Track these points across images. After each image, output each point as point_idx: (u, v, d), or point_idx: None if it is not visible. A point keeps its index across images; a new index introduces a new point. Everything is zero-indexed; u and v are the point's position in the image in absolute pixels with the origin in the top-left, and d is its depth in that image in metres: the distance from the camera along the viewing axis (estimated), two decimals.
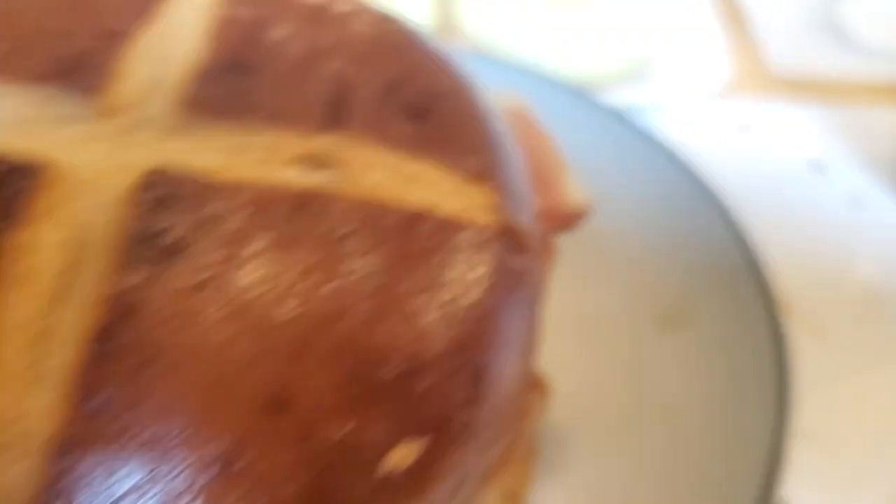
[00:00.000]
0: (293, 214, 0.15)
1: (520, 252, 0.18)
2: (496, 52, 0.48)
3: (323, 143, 0.17)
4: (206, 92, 0.17)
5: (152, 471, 0.13)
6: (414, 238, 0.16)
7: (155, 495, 0.13)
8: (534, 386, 0.25)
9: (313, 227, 0.15)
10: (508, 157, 0.19)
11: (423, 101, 0.18)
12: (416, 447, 0.15)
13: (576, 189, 0.26)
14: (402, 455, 0.14)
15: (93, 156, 0.16)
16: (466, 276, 0.16)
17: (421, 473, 0.15)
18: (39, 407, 0.13)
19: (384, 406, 0.14)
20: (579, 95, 0.41)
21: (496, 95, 0.26)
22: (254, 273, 0.14)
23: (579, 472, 0.28)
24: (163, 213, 0.15)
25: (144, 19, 0.18)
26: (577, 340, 0.31)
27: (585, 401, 0.30)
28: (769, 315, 0.31)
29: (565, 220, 0.25)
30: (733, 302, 0.32)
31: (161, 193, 0.15)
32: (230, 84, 0.17)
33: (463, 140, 0.18)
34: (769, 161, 0.46)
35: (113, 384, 0.13)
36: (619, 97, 0.46)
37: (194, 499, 0.13)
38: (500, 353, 0.16)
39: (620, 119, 0.40)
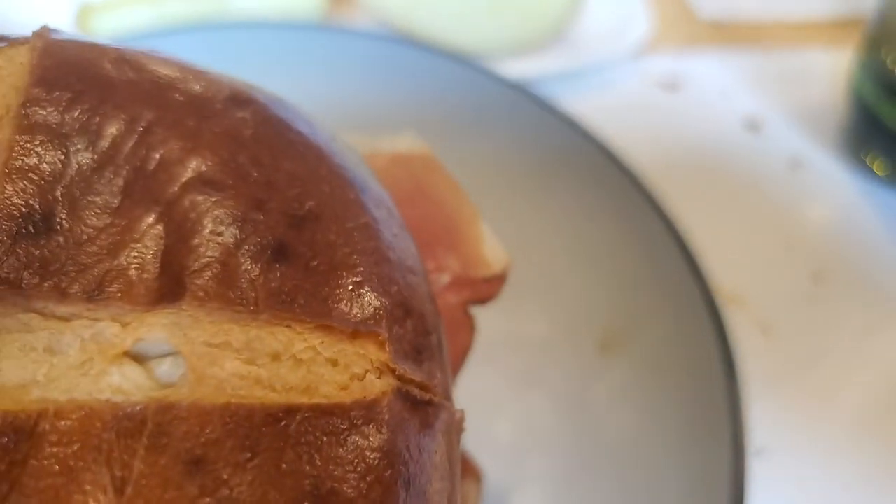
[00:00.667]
0: (125, 442, 0.12)
1: (418, 404, 0.15)
2: (395, 25, 0.43)
3: (148, 328, 0.13)
4: None
5: None
6: (287, 443, 0.13)
7: None
8: (467, 473, 0.22)
9: (154, 456, 0.12)
10: (406, 271, 0.16)
11: (288, 232, 0.14)
12: None
13: (492, 245, 0.22)
14: None
15: None
16: (358, 466, 0.13)
17: None
18: None
19: None
20: (483, 70, 0.37)
21: (395, 142, 0.23)
22: None
23: None
24: None
25: None
26: (510, 383, 0.29)
27: (527, 450, 0.28)
28: (715, 324, 0.29)
29: (483, 287, 0.21)
30: (673, 316, 0.30)
31: None
32: (21, 251, 0.13)
33: (344, 278, 0.14)
34: (701, 122, 0.43)
35: None
36: (529, 67, 0.42)
37: None
38: None
39: (529, 96, 0.36)
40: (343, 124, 0.22)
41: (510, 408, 0.28)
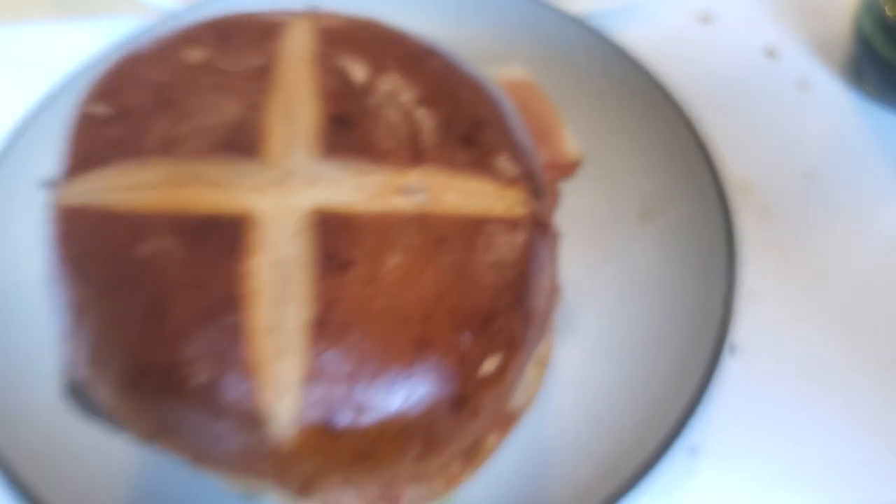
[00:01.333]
0: (410, 228, 0.25)
1: (541, 227, 0.27)
2: None
3: (412, 176, 0.26)
4: (327, 145, 0.26)
5: (370, 392, 0.24)
6: (480, 233, 0.25)
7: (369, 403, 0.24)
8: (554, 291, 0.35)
9: (423, 235, 0.25)
10: (531, 156, 0.28)
11: (472, 130, 0.27)
12: (496, 359, 0.25)
13: (571, 141, 0.34)
14: (490, 364, 0.25)
15: (270, 202, 0.25)
16: (511, 248, 0.26)
17: (500, 373, 0.26)
18: (288, 370, 0.24)
19: (481, 342, 0.25)
20: (544, 5, 0.47)
21: (506, 71, 0.34)
22: (397, 269, 0.24)
23: (586, 335, 0.39)
24: (333, 239, 0.24)
25: (268, 88, 0.26)
26: (579, 238, 0.41)
27: (588, 282, 0.41)
28: (723, 204, 0.41)
29: (565, 169, 0.34)
30: (696, 195, 0.42)
31: (325, 227, 0.24)
32: (341, 137, 0.26)
33: (503, 156, 0.27)
34: (727, 48, 0.53)
35: (330, 348, 0.24)
36: (587, 5, 0.52)
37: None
38: (536, 293, 0.27)
39: (588, 29, 0.46)
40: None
41: (573, 257, 0.40)
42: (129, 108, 0.26)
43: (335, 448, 0.24)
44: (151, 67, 0.27)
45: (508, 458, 0.34)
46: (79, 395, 0.38)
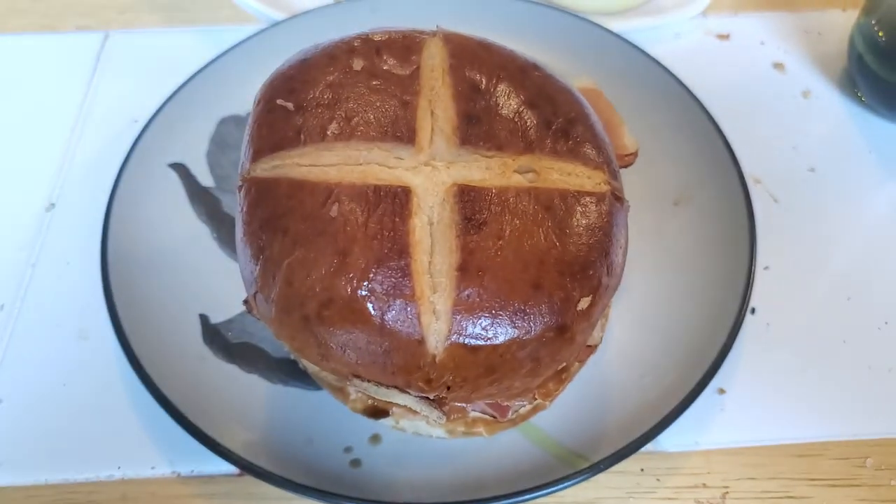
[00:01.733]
0: (525, 198, 0.33)
1: (618, 200, 0.36)
2: None
3: (524, 160, 0.34)
4: (461, 136, 0.34)
5: (499, 320, 0.31)
6: (577, 203, 0.34)
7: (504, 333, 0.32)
8: None
9: (535, 204, 0.33)
10: (608, 146, 0.36)
11: (567, 126, 0.35)
12: (588, 299, 0.33)
13: (629, 138, 0.43)
14: (584, 303, 0.33)
15: (422, 178, 0.33)
16: (599, 215, 0.34)
17: (590, 310, 0.34)
18: (441, 302, 0.32)
19: (579, 285, 0.33)
20: (593, 24, 0.56)
21: (579, 80, 0.42)
22: (517, 228, 0.32)
23: (631, 298, 0.48)
24: (470, 206, 0.32)
25: (416, 91, 0.35)
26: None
27: (630, 258, 0.49)
28: (744, 192, 0.49)
29: (626, 160, 0.42)
30: (720, 185, 0.50)
31: (465, 197, 0.32)
32: (471, 130, 0.34)
33: (590, 146, 0.35)
34: (742, 64, 0.62)
35: (471, 286, 0.32)
36: (626, 25, 0.60)
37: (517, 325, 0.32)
38: (616, 250, 0.35)
39: (627, 44, 0.55)
40: None
41: None
42: (308, 102, 0.34)
43: (470, 363, 0.32)
44: (323, 72, 0.35)
45: (576, 387, 0.42)
46: (217, 338, 0.45)
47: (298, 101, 0.34)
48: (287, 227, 0.32)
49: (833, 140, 0.58)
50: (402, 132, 0.34)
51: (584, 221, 0.33)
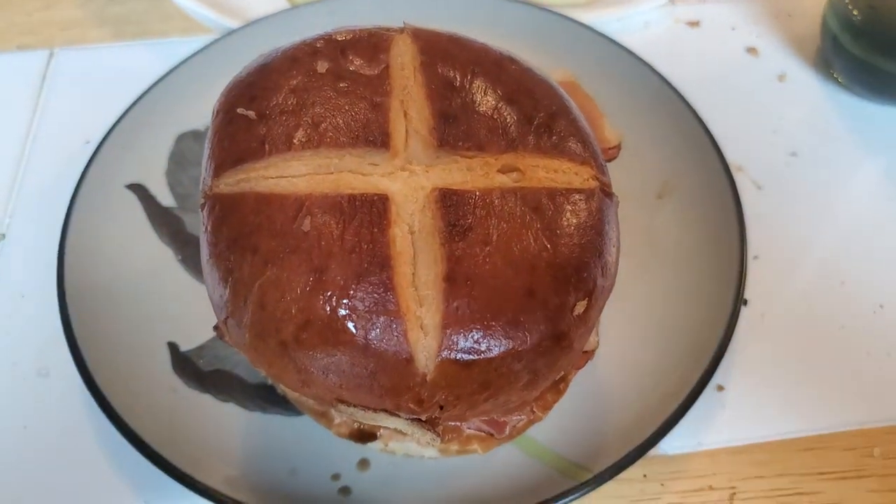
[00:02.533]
0: (511, 200, 0.31)
1: (608, 195, 0.34)
2: None
3: (507, 159, 0.32)
4: (439, 137, 0.32)
5: (492, 332, 0.29)
6: (566, 202, 0.32)
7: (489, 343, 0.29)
8: None
9: (522, 205, 0.31)
10: (593, 140, 0.34)
11: (549, 121, 0.33)
12: (584, 303, 0.31)
13: (611, 130, 0.41)
14: (580, 306, 0.31)
15: (399, 184, 0.31)
16: (589, 213, 0.32)
17: (586, 314, 0.32)
18: (429, 316, 0.29)
19: (573, 289, 0.31)
20: (562, 16, 0.55)
21: (554, 72, 0.41)
22: (505, 232, 0.30)
23: (621, 301, 0.45)
24: (453, 211, 0.30)
25: (387, 91, 0.32)
26: None
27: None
28: (730, 180, 0.48)
29: (609, 153, 0.40)
30: (703, 174, 0.49)
31: (448, 202, 0.30)
32: (449, 130, 0.32)
33: (574, 141, 0.33)
34: (714, 51, 0.61)
35: (459, 297, 0.29)
36: (596, 15, 0.59)
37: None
38: (610, 249, 0.33)
39: (599, 35, 0.54)
40: None
41: None
42: (272, 110, 0.32)
43: (464, 379, 0.30)
44: (286, 76, 0.32)
45: (572, 394, 0.40)
46: (188, 367, 0.43)
47: (260, 108, 0.32)
48: (256, 245, 0.30)
49: (812, 123, 0.57)
50: (375, 136, 0.31)
51: (574, 221, 0.31)
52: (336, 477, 0.39)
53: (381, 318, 0.29)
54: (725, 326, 0.42)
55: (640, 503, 0.40)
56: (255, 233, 0.30)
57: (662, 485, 0.41)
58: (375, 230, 0.29)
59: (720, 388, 0.44)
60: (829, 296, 0.48)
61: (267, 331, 0.30)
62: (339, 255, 0.29)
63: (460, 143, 0.32)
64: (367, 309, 0.29)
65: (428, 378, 0.30)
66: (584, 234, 0.32)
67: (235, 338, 0.32)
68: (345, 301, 0.29)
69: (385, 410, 0.31)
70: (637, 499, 0.41)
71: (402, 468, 0.39)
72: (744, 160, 0.54)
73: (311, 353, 0.30)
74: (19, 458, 0.41)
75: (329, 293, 0.29)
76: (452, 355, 0.29)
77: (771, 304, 0.48)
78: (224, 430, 0.41)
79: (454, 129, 0.32)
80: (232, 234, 0.31)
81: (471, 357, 0.29)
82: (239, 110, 0.32)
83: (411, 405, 0.30)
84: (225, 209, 0.31)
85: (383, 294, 0.29)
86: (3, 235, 0.49)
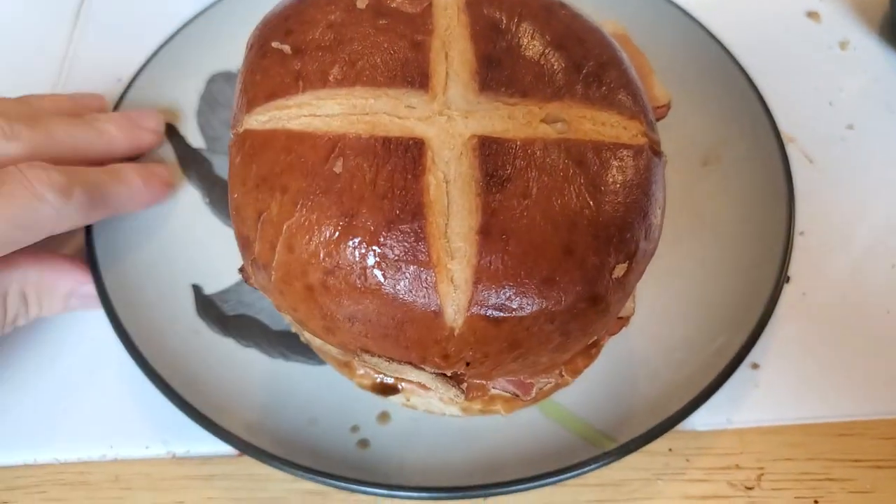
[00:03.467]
0: (555, 152, 0.29)
1: (656, 154, 0.32)
2: None
3: (553, 108, 0.30)
4: (481, 81, 0.30)
5: (525, 290, 0.28)
6: (612, 157, 0.30)
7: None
8: None
9: (565, 158, 0.29)
10: (644, 94, 0.32)
11: (599, 71, 0.31)
12: (624, 266, 0.30)
13: (660, 88, 0.39)
14: (620, 269, 0.30)
15: (436, 129, 0.29)
16: (636, 171, 0.30)
17: (625, 278, 0.30)
18: (460, 270, 0.28)
19: (614, 250, 0.29)
20: None
21: (603, 24, 0.38)
22: (545, 186, 0.29)
23: (658, 269, 0.44)
24: (492, 160, 0.29)
25: (429, 30, 0.31)
26: None
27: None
28: (781, 148, 0.45)
29: (657, 112, 0.38)
30: (753, 143, 0.46)
31: (487, 151, 0.29)
32: (492, 74, 0.30)
33: (624, 93, 0.31)
34: (772, 13, 0.57)
35: (493, 252, 0.28)
36: None
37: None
38: (655, 210, 0.31)
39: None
40: None
41: None
42: (307, 45, 0.30)
43: (493, 336, 0.29)
44: (323, 11, 0.31)
45: (602, 362, 0.39)
46: (211, 310, 0.42)
47: (296, 43, 0.30)
48: (286, 185, 0.29)
49: (873, 95, 0.53)
50: (414, 76, 0.30)
51: (620, 178, 0.30)
52: (355, 429, 0.39)
53: (412, 268, 0.28)
54: (766, 302, 0.41)
55: (664, 477, 0.39)
56: (285, 172, 0.29)
57: (688, 460, 0.40)
58: (409, 176, 0.28)
59: (755, 366, 0.43)
60: (876, 278, 0.46)
61: (293, 274, 0.29)
62: (371, 201, 0.28)
63: (503, 89, 0.30)
64: (396, 258, 0.28)
65: (455, 333, 0.28)
66: (630, 193, 0.30)
67: (261, 280, 0.31)
68: (374, 248, 0.28)
69: (410, 363, 0.31)
70: (661, 472, 0.39)
71: (423, 424, 0.39)
72: (796, 131, 0.51)
73: (337, 299, 0.29)
74: (47, 390, 0.41)
75: (358, 239, 0.28)
76: (482, 311, 0.28)
77: (814, 282, 0.46)
78: (246, 375, 0.40)
79: (497, 73, 0.30)
80: (262, 172, 0.29)
81: (501, 314, 0.28)
82: (273, 44, 0.30)
83: (437, 359, 0.29)
84: (255, 146, 0.30)
85: (414, 244, 0.27)
86: None
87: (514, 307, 0.28)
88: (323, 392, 0.40)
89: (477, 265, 0.28)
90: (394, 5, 0.31)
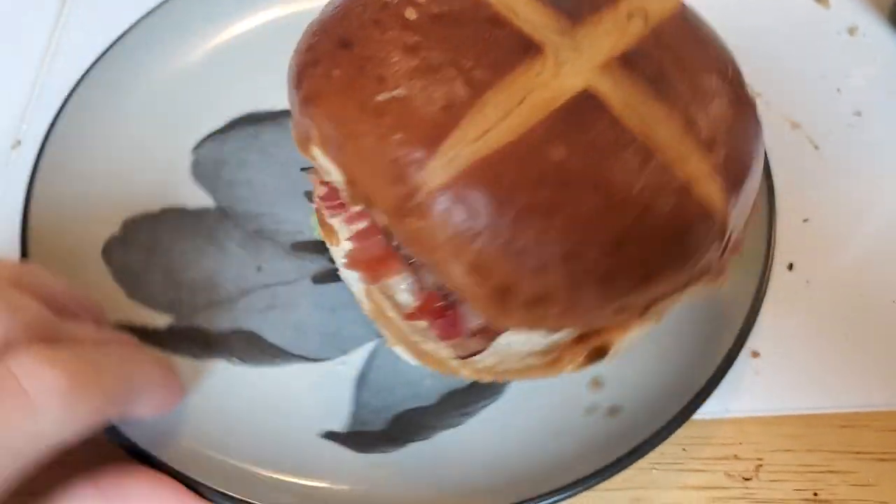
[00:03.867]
0: (666, 30, 0.31)
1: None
2: None
3: (623, 4, 0.31)
4: (564, 18, 0.30)
5: None
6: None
7: None
8: None
9: (677, 31, 0.32)
10: None
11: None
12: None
13: None
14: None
15: (578, 78, 0.28)
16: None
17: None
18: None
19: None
20: None
21: None
22: (689, 54, 0.31)
23: None
24: (640, 70, 0.29)
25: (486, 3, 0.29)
26: None
27: None
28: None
29: None
30: None
31: (630, 65, 0.29)
32: (563, 7, 0.30)
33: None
34: None
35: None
36: None
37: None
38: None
39: None
40: None
41: None
42: (403, 77, 0.28)
43: None
44: (386, 38, 0.29)
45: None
46: None
47: (395, 82, 0.28)
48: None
49: (882, 81, 0.52)
50: (521, 48, 0.28)
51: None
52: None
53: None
54: (757, 285, 0.39)
55: (660, 466, 0.38)
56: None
57: (684, 450, 0.39)
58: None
59: (755, 353, 0.41)
60: (882, 267, 0.44)
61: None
62: None
63: (584, 12, 0.30)
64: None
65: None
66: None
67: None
68: None
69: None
70: (656, 461, 0.38)
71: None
72: (801, 117, 0.50)
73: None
74: None
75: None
76: None
77: (817, 270, 0.44)
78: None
79: (566, 4, 0.30)
80: None
81: None
82: (380, 98, 0.28)
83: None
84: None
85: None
86: (19, 142, 0.48)
87: None
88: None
89: None
90: (436, 8, 0.29)
